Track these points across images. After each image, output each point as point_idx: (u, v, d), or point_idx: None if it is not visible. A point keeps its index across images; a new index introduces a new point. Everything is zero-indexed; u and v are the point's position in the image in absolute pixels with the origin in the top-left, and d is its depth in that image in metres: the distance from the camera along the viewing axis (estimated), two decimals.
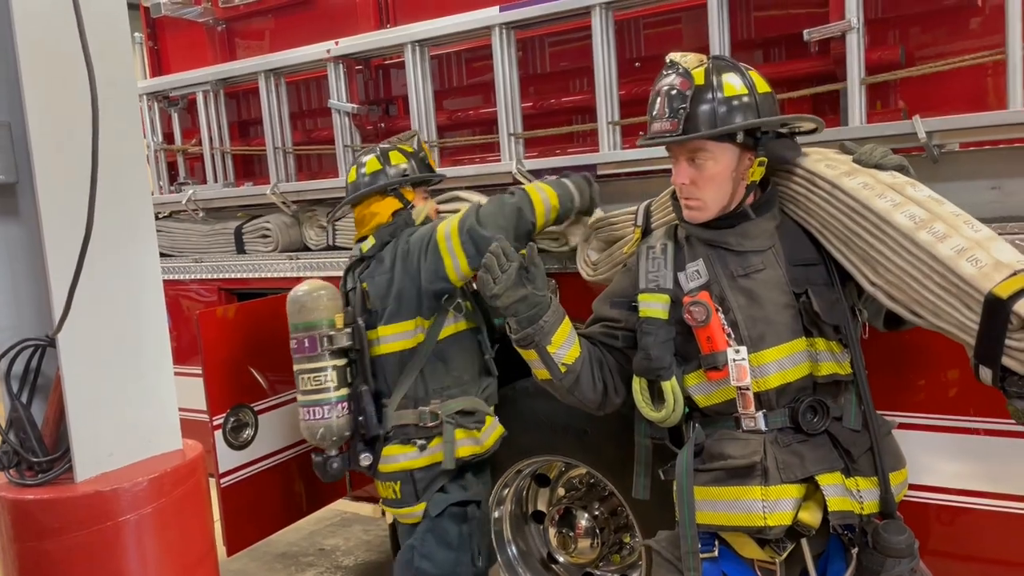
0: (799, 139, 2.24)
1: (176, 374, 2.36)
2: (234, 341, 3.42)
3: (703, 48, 2.68)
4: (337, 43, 3.53)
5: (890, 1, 2.63)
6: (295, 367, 2.98)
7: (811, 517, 2.07)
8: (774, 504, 2.06)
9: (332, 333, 2.91)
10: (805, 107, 2.79)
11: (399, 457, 2.93)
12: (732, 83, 2.10)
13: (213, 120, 4.09)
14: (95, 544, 1.99)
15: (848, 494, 2.06)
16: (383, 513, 3.23)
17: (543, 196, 2.77)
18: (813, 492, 2.07)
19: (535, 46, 3.42)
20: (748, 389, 2.09)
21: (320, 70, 3.71)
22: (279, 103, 3.83)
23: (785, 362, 2.10)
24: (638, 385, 2.24)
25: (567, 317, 2.30)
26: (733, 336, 2.11)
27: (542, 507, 3.52)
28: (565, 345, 2.27)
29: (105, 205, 1.87)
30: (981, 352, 1.85)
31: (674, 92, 2.11)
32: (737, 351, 2.08)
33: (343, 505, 3.98)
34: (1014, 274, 1.80)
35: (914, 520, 2.16)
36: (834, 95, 2.66)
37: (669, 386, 2.18)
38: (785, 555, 2.14)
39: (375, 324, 2.92)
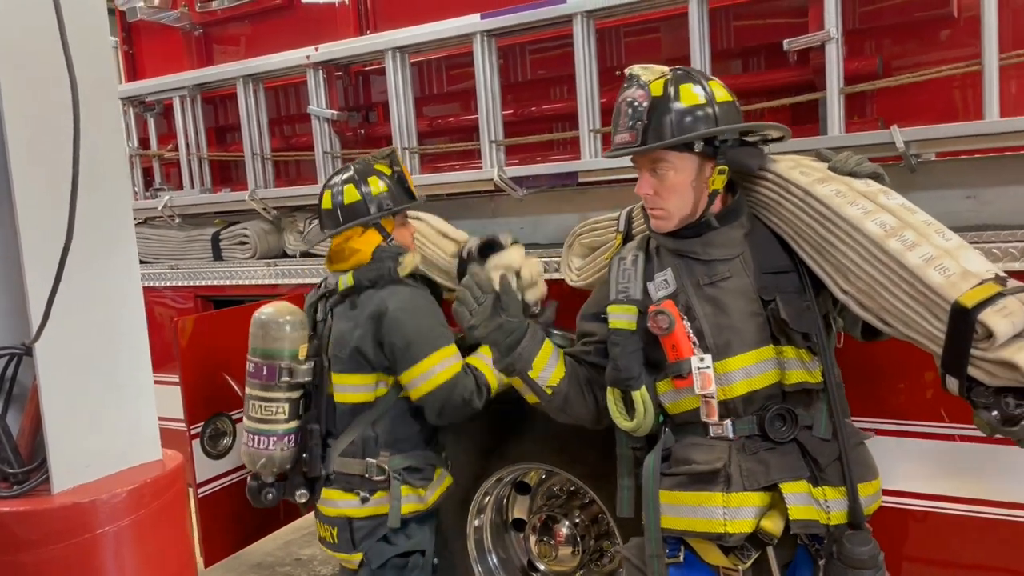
0: (779, 148, 2.26)
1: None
2: (212, 349, 3.39)
3: (684, 57, 2.71)
4: (317, 49, 3.51)
5: (868, 12, 2.66)
6: (248, 389, 2.87)
7: (773, 525, 2.06)
8: (735, 511, 2.07)
9: (293, 366, 2.82)
10: (784, 116, 2.82)
11: (339, 503, 2.86)
12: (690, 94, 2.12)
13: (190, 125, 4.05)
14: (73, 557, 1.95)
15: (814, 503, 2.05)
16: None
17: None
18: (779, 501, 2.07)
19: (516, 53, 3.42)
20: (712, 397, 2.10)
21: (299, 76, 3.69)
22: (257, 109, 3.80)
23: (751, 370, 2.11)
24: (612, 396, 2.27)
25: (548, 340, 2.34)
26: (699, 344, 2.12)
27: (522, 515, 3.52)
28: (547, 368, 2.31)
29: (85, 212, 1.83)
30: (947, 362, 1.84)
31: (633, 104, 2.15)
32: (702, 359, 2.09)
33: None
34: (981, 283, 1.80)
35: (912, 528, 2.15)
36: (813, 104, 2.68)
37: (639, 396, 2.20)
38: (749, 563, 2.14)
39: (334, 367, 2.85)
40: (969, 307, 1.76)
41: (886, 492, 2.26)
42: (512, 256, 2.77)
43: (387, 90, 3.35)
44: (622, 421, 2.25)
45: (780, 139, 2.26)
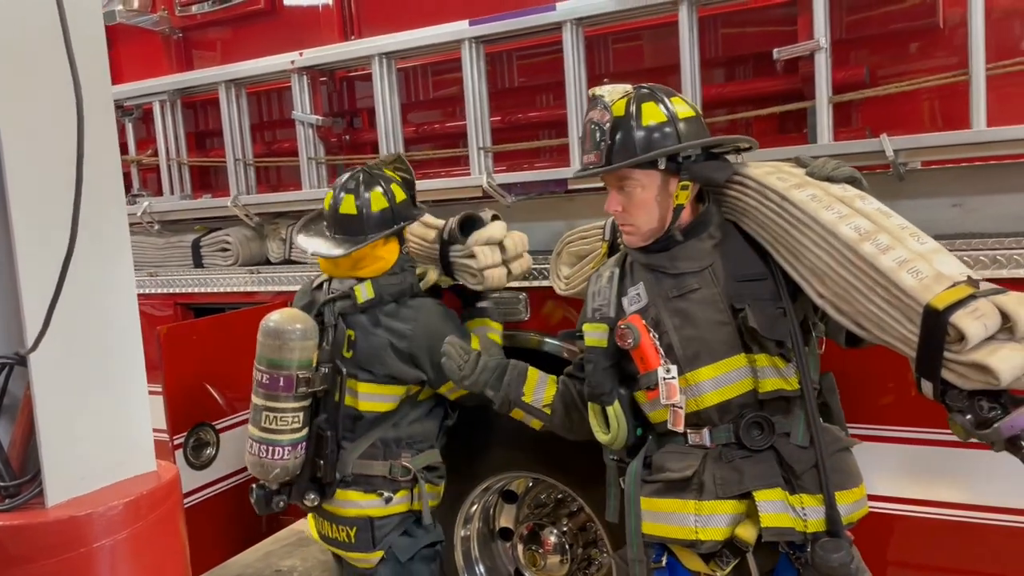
0: (769, 156, 2.29)
1: None
2: (195, 358, 3.33)
3: (673, 66, 2.73)
4: (302, 54, 3.48)
5: (856, 22, 2.70)
6: (257, 400, 2.79)
7: (748, 533, 2.08)
8: (707, 519, 2.10)
9: (309, 376, 2.75)
10: (773, 125, 2.86)
11: (360, 503, 2.85)
12: (652, 112, 2.16)
13: (170, 130, 3.99)
14: (67, 572, 1.89)
15: (790, 511, 2.07)
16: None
17: None
18: (755, 509, 2.08)
19: (504, 60, 3.42)
20: (679, 407, 2.14)
21: (281, 81, 3.65)
22: (240, 114, 3.76)
23: (722, 379, 2.13)
24: (592, 410, 2.34)
25: (530, 367, 2.58)
26: (668, 357, 2.16)
27: (509, 524, 3.50)
28: (538, 390, 2.54)
29: (82, 220, 1.79)
30: (921, 365, 1.83)
31: (596, 125, 2.19)
32: (668, 370, 2.12)
33: (300, 525, 3.89)
34: (953, 285, 1.79)
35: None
36: (802, 113, 2.71)
37: (612, 411, 2.27)
38: (728, 570, 2.16)
39: (354, 375, 2.82)
40: (940, 309, 1.76)
41: (874, 498, 2.28)
42: (494, 230, 2.78)
43: (373, 96, 3.33)
44: (600, 435, 2.32)
45: (748, 149, 2.28)
